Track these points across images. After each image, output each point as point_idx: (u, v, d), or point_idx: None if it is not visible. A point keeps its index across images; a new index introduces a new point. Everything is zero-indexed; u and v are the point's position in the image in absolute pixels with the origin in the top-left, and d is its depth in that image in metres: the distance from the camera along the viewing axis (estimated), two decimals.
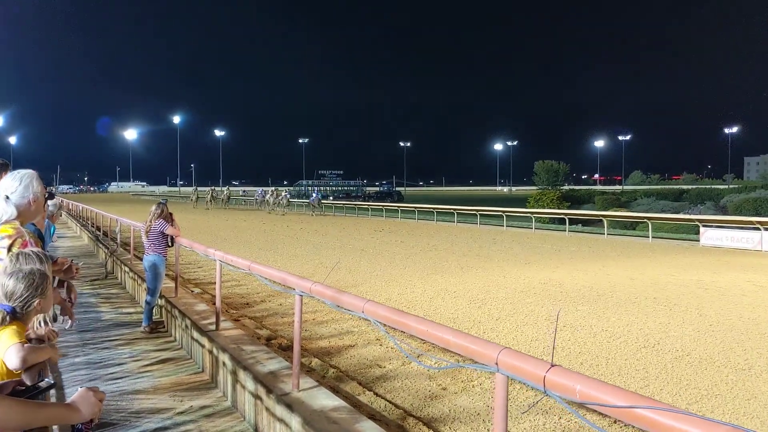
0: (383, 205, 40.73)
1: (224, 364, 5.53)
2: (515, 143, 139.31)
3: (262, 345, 5.95)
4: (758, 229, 18.39)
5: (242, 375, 5.02)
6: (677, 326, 7.80)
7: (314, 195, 44.07)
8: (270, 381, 4.65)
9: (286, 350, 6.18)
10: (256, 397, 4.67)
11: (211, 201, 46.04)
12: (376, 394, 5.21)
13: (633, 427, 3.33)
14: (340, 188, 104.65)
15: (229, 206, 48.64)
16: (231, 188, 67.09)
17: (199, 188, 57.63)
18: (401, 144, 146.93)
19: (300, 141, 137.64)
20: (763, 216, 25.54)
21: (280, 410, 4.23)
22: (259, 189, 45.11)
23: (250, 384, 4.82)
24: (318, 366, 5.99)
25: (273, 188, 43.95)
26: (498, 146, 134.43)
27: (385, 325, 3.72)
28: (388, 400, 5.06)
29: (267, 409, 4.45)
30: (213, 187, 53.31)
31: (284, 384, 4.55)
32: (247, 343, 5.86)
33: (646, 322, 8.04)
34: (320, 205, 42.18)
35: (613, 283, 11.38)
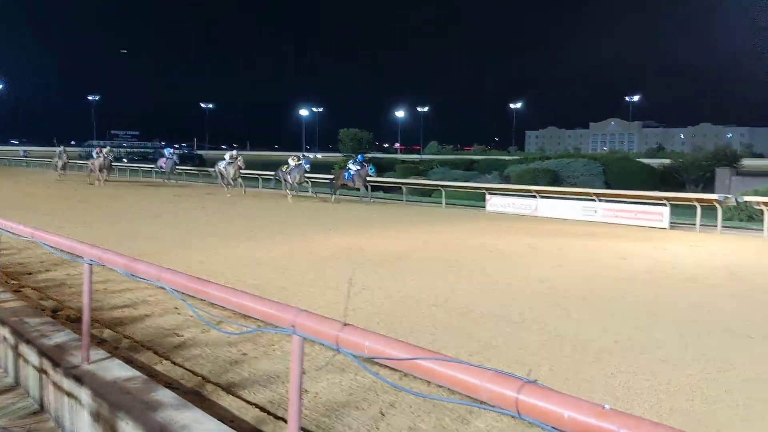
0: (183, 169, 39.00)
1: (4, 338, 5.07)
2: (321, 110, 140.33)
3: (47, 317, 5.54)
4: (534, 196, 20.42)
5: (25, 349, 4.65)
6: (464, 286, 8.49)
7: (168, 156, 35.85)
8: (56, 354, 4.36)
9: (74, 322, 5.80)
10: (41, 371, 4.36)
11: None
12: (174, 363, 5.10)
13: (423, 380, 3.65)
14: (135, 150, 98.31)
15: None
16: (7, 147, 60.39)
17: None
18: (203, 106, 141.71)
19: (90, 98, 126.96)
20: (540, 185, 28.42)
21: (68, 384, 4.00)
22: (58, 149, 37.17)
23: (33, 358, 4.49)
24: (111, 337, 5.71)
25: (62, 148, 38.24)
26: (304, 112, 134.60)
27: (184, 294, 3.65)
28: (186, 369, 4.98)
29: (54, 383, 4.18)
30: None
31: (73, 357, 4.30)
32: (30, 315, 5.42)
33: (437, 282, 8.66)
34: (174, 172, 35.33)
35: (410, 247, 12.06)
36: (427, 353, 2.14)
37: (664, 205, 17.06)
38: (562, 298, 7.86)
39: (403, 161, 51.42)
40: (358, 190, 24.42)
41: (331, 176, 26.05)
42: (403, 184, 26.92)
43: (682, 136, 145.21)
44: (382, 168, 42.60)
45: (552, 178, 34.39)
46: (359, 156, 25.70)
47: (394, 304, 7.33)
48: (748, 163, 47.65)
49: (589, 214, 18.66)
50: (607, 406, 1.65)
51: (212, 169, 30.77)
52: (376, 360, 2.38)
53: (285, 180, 24.76)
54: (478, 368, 1.93)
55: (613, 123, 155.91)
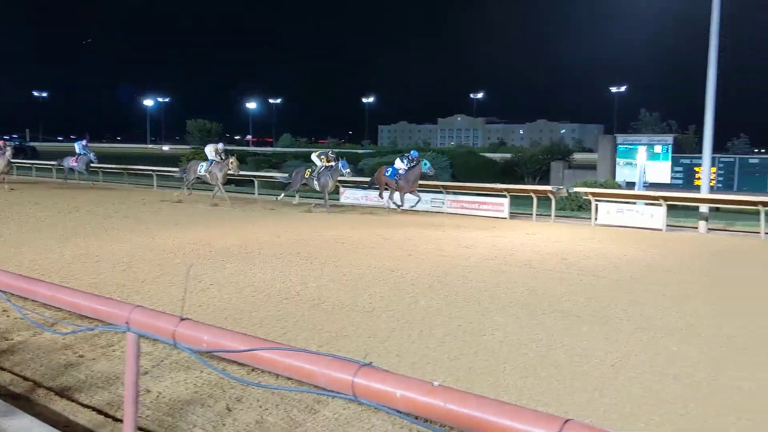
0: (16, 162, 35.81)
1: None
2: (168, 99, 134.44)
3: None
4: (387, 188, 20.87)
5: None
6: (316, 278, 8.52)
7: (82, 152, 25.36)
8: None
9: None
10: None
11: None
12: (2, 369, 4.71)
13: (272, 373, 3.63)
14: None
15: None
16: None
17: None
18: (35, 94, 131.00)
19: None
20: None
21: None
22: None
23: None
24: None
25: None
26: (149, 102, 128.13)
27: (10, 294, 3.37)
28: (15, 374, 4.62)
29: None
30: None
31: None
32: None
33: (289, 275, 8.62)
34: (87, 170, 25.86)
35: (261, 241, 11.89)
36: (265, 343, 2.13)
37: (505, 196, 18.11)
38: (411, 286, 8.11)
39: (255, 154, 50.51)
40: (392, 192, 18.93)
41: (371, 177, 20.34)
42: (254, 176, 26.47)
43: (521, 131, 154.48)
44: None
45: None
46: (413, 151, 20.04)
47: (243, 299, 7.21)
48: (578, 156, 51.80)
49: (438, 206, 19.39)
50: (435, 383, 1.73)
51: (176, 170, 24.46)
52: (215, 354, 2.33)
53: (312, 187, 18.78)
54: (316, 355, 1.96)
55: (459, 119, 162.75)
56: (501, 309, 7.04)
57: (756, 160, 26.39)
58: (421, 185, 19.09)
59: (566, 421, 1.48)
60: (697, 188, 18.47)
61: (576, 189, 18.96)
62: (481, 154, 48.20)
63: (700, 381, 4.84)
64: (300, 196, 20.15)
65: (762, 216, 15.12)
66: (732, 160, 26.83)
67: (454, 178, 33.68)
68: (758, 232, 15.06)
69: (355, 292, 7.72)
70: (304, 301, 7.21)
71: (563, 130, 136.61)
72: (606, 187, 20.64)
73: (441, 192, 19.78)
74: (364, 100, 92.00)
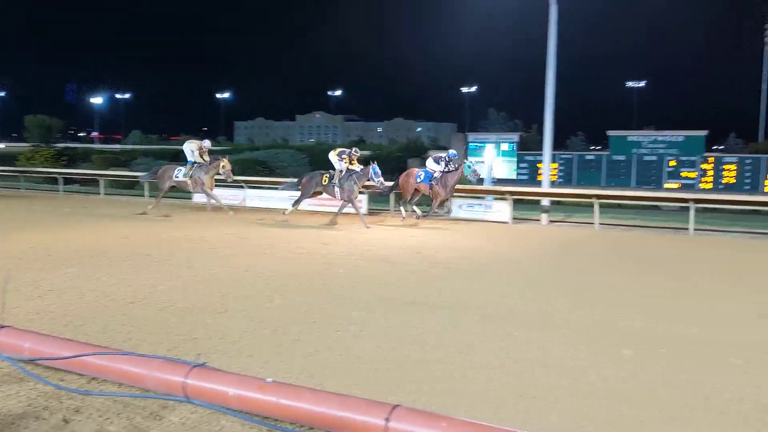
0: None
1: None
2: (2, 94, 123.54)
3: None
4: (242, 186, 20.49)
5: None
6: (167, 280, 8.18)
7: None
8: None
9: None
10: None
11: None
12: None
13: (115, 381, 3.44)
14: None
15: None
16: None
17: None
18: None
19: None
20: (248, 175, 28.56)
21: None
22: None
23: None
24: None
25: None
26: None
27: None
28: None
29: None
30: None
31: None
32: None
33: (138, 278, 8.21)
34: None
35: (107, 243, 11.25)
36: (92, 349, 2.01)
37: (363, 193, 18.35)
38: (266, 285, 8.01)
39: (101, 151, 47.69)
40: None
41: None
42: (100, 175, 25.01)
43: (379, 129, 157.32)
44: (76, 159, 39.16)
45: (261, 168, 34.87)
46: (451, 152, 16.75)
47: (86, 304, 6.78)
48: (434, 154, 53.94)
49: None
50: (269, 380, 1.72)
51: (141, 175, 20.94)
52: (38, 362, 2.17)
53: (331, 195, 15.85)
54: (146, 358, 1.88)
55: (318, 116, 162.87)
56: (357, 303, 7.12)
57: (592, 157, 28.66)
58: (277, 183, 18.87)
59: (395, 407, 1.52)
60: (540, 183, 19.73)
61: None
62: None
63: (536, 362, 5.17)
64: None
65: (596, 208, 16.43)
66: (571, 157, 28.94)
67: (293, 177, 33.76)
68: (593, 223, 16.34)
69: (208, 293, 7.51)
70: (152, 304, 6.90)
71: (419, 129, 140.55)
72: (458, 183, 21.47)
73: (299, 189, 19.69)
74: (218, 95, 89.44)
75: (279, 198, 19.60)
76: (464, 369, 4.98)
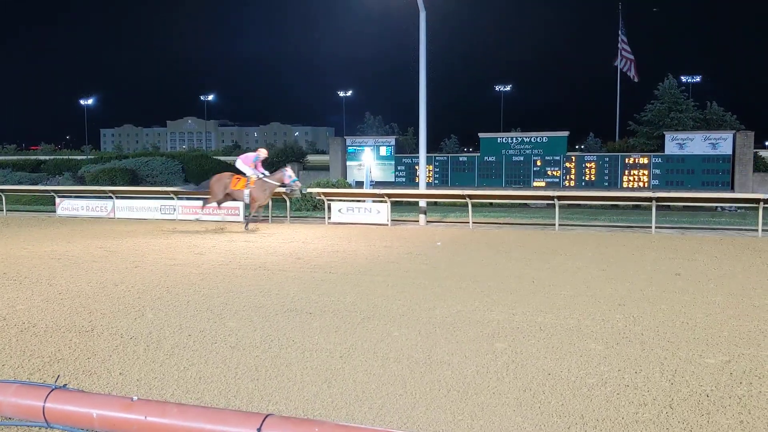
0: None
1: None
2: None
3: None
4: (111, 197, 19.51)
5: None
6: (26, 299, 7.64)
7: None
8: None
9: None
10: None
11: None
12: None
13: None
14: None
15: None
16: None
17: None
18: None
19: None
20: (118, 185, 27.25)
21: None
22: None
23: None
24: None
25: None
26: None
27: None
28: None
29: None
30: None
31: None
32: None
33: None
34: None
35: None
36: None
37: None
38: (138, 299, 7.67)
39: None
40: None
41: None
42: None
43: (255, 134, 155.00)
44: None
45: (131, 177, 33.34)
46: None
47: None
48: (312, 158, 53.79)
49: (168, 213, 18.63)
50: (134, 397, 1.65)
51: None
52: None
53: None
54: (1, 384, 1.74)
55: (190, 121, 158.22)
56: (234, 314, 6.97)
57: (465, 158, 29.74)
58: (146, 192, 18.14)
59: (266, 416, 1.50)
60: (418, 185, 20.21)
61: (310, 189, 19.56)
62: (215, 157, 47.39)
63: (417, 360, 5.29)
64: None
65: (470, 207, 17.06)
66: (445, 158, 29.89)
67: (187, 183, 32.69)
68: (467, 222, 16.95)
69: (73, 311, 7.08)
70: (11, 326, 6.41)
71: (297, 133, 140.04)
72: (337, 187, 21.63)
73: (172, 198, 19.02)
74: (83, 102, 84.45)
75: (149, 208, 18.86)
76: (345, 372, 5.00)
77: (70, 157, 52.14)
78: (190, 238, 13.91)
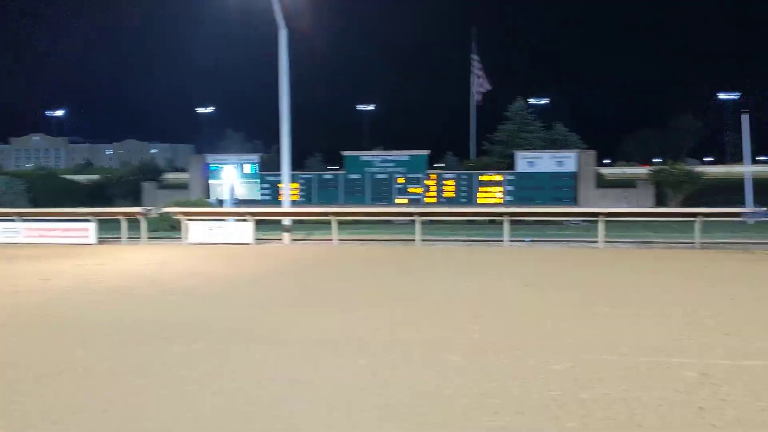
0: None
1: None
2: None
3: None
4: None
5: None
6: None
7: None
8: None
9: None
10: None
11: None
12: None
13: None
14: None
15: None
16: None
17: None
18: None
19: None
20: None
21: None
22: None
23: None
24: None
25: None
26: None
27: None
28: None
29: None
30: None
31: None
32: None
33: None
34: None
35: None
36: None
37: (89, 221, 16.98)
38: None
39: None
40: None
41: None
42: None
43: (110, 152, 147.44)
44: None
45: None
46: None
47: None
48: (171, 176, 51.49)
49: (11, 236, 17.24)
50: None
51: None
52: None
53: None
54: None
55: (36, 138, 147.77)
56: (84, 342, 6.52)
57: (330, 176, 29.92)
58: None
59: None
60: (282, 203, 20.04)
61: (166, 209, 18.84)
62: (65, 176, 44.57)
63: (278, 381, 5.19)
64: None
65: (334, 225, 17.14)
66: (310, 176, 29.90)
67: (34, 204, 30.45)
68: (332, 240, 17.01)
69: None
70: None
71: (154, 150, 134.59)
72: (197, 206, 20.98)
73: (14, 220, 17.60)
74: None
75: None
76: (204, 397, 4.81)
77: None
78: (35, 262, 12.92)
